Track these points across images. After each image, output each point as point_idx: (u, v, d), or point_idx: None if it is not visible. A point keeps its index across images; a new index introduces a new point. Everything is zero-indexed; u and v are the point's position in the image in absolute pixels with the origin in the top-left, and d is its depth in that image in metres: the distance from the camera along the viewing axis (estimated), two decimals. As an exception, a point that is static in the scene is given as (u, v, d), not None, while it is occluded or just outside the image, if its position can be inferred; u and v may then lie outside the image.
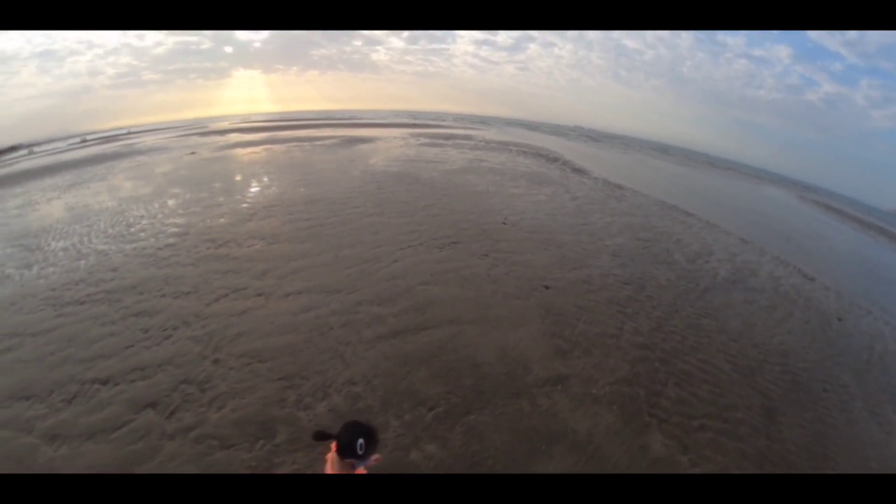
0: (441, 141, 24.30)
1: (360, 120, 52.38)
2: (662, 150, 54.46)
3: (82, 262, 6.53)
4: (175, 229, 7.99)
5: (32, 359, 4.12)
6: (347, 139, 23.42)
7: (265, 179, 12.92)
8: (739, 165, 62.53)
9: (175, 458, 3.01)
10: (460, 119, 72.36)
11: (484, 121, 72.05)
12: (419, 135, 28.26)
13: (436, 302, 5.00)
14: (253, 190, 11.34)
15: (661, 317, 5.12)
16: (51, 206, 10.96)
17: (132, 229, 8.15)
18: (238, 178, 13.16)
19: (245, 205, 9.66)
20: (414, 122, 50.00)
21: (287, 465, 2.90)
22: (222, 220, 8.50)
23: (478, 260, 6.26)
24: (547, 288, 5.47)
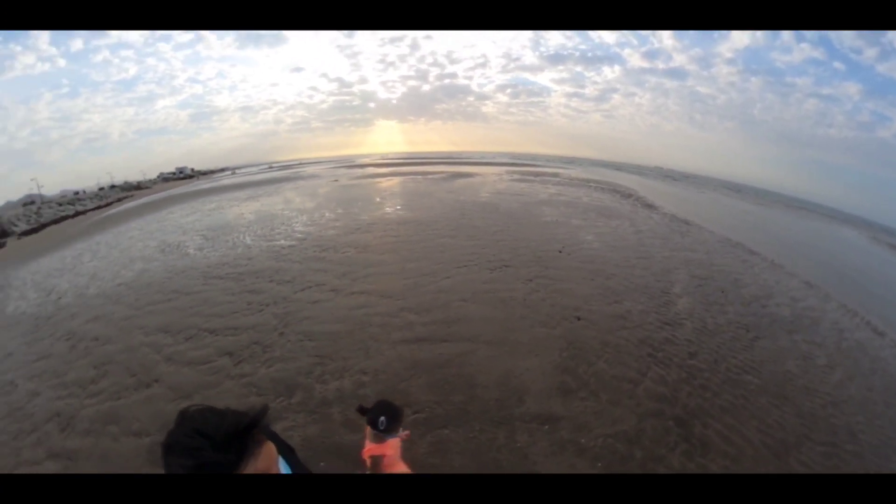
0: (530, 178, 25.10)
1: (469, 159, 59.08)
2: (736, 189, 50.78)
3: (232, 251, 8.75)
4: (299, 235, 9.98)
5: (179, 308, 5.80)
6: (453, 174, 26.06)
7: (378, 202, 15.04)
8: (811, 205, 57.47)
9: (225, 393, 3.88)
10: (553, 160, 77.48)
11: (573, 162, 77.27)
12: (513, 172, 30.01)
13: (464, 318, 5.12)
14: (365, 210, 13.31)
15: (695, 366, 4.17)
16: (231, 210, 14.95)
17: (273, 232, 10.48)
18: (359, 200, 15.63)
19: (355, 221, 11.42)
20: (513, 161, 55.17)
21: (288, 421, 3.44)
22: (333, 231, 10.24)
23: (521, 284, 6.12)
24: (579, 319, 5.00)
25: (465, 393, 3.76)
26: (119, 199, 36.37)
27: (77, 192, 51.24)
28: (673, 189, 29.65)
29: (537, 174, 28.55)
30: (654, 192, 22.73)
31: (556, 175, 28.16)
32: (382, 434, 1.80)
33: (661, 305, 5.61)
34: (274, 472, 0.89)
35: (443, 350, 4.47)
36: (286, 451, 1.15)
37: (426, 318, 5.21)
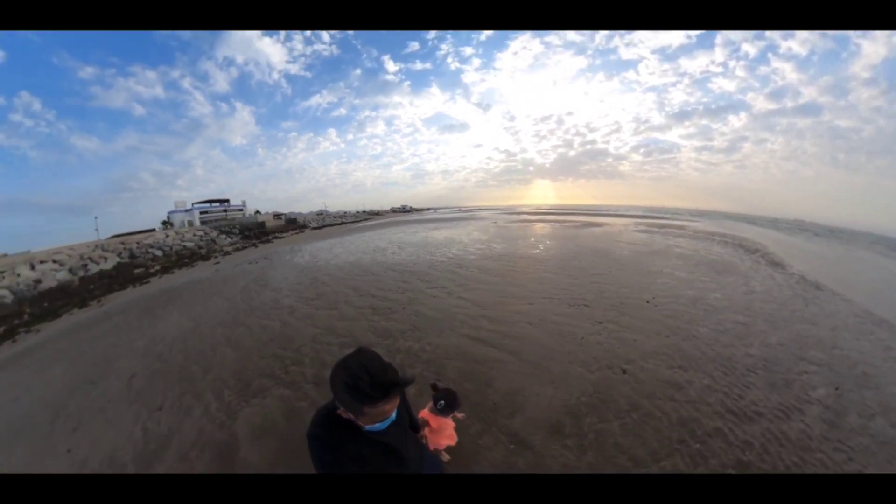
0: (654, 229, 20.80)
1: (605, 212, 53.46)
2: (897, 246, 22.87)
3: (408, 258, 11.76)
4: (450, 255, 12.16)
5: (365, 281, 8.77)
6: (585, 223, 24.38)
7: (515, 240, 16.04)
8: None
9: (359, 327, 5.87)
10: (684, 213, 62.31)
11: (705, 214, 59.67)
12: (640, 224, 25.18)
13: (520, 336, 5.39)
14: (502, 244, 14.50)
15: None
16: (422, 234, 19.75)
17: (437, 251, 13.17)
18: (502, 237, 17.08)
19: (490, 251, 12.75)
20: (644, 214, 46.21)
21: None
22: (472, 256, 11.89)
23: (589, 324, 5.71)
24: (624, 372, 4.33)
25: (476, 386, 4.13)
26: (365, 219, 55.63)
27: (345, 212, 79.44)
28: (811, 246, 19.36)
29: (662, 226, 23.19)
30: (787, 249, 15.24)
31: (681, 228, 22.24)
32: (437, 411, 2.16)
33: (736, 387, 4.07)
34: (388, 415, 1.01)
35: (486, 352, 5.02)
36: (405, 404, 1.37)
37: (492, 326, 5.83)
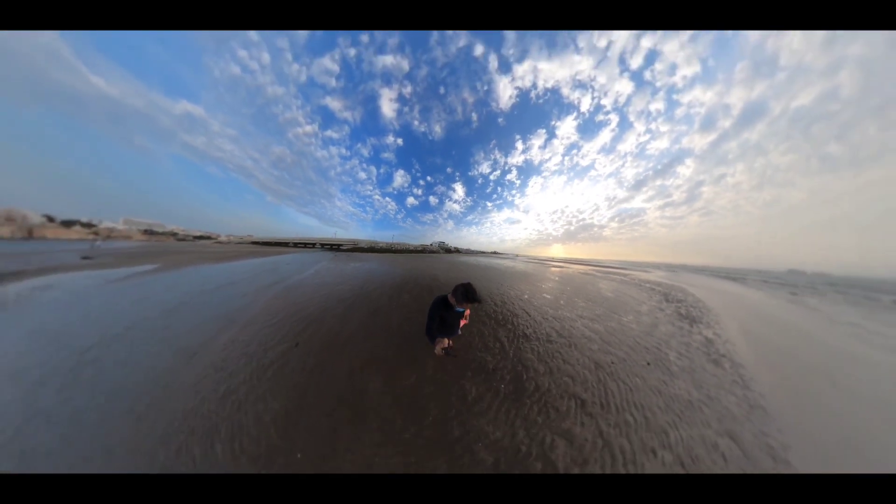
0: (595, 273, 15.24)
1: (579, 262, 47.56)
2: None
3: (458, 266, 11.90)
4: (444, 267, 10.67)
5: (434, 268, 9.76)
6: (551, 264, 21.38)
7: (546, 284, 12.89)
8: None
9: (432, 272, 7.99)
10: (652, 266, 47.67)
11: (672, 268, 44.92)
12: (594, 270, 18.08)
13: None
14: (530, 285, 11.45)
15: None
16: (475, 261, 19.26)
17: (456, 267, 11.30)
18: (534, 281, 13.73)
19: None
20: (608, 265, 39.96)
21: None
22: (530, 296, 8.49)
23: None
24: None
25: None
26: (478, 253, 61.11)
27: (472, 250, 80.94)
28: (790, 307, 8.18)
29: (607, 272, 16.23)
30: (739, 308, 7.47)
31: (623, 275, 15.27)
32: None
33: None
34: (465, 308, 1.58)
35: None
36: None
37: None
